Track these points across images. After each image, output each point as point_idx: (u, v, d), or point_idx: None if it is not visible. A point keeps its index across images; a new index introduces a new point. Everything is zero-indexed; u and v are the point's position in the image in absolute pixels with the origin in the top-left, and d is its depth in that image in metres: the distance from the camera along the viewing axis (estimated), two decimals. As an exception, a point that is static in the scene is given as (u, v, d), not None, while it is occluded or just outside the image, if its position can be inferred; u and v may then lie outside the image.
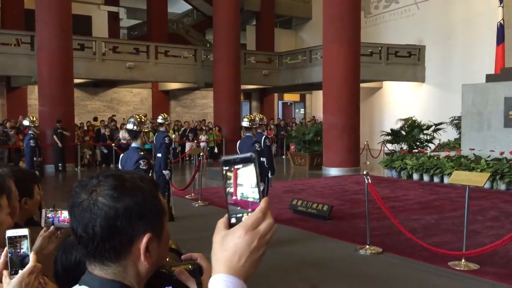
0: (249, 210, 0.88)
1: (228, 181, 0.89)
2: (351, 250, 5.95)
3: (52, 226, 1.65)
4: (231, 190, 0.89)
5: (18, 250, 1.26)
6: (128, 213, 0.99)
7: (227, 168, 0.89)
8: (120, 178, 1.03)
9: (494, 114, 11.22)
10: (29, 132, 8.43)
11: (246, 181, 0.89)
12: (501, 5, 13.56)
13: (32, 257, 1.26)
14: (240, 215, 0.88)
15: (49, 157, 14.27)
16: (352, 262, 5.59)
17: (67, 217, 1.63)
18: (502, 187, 10.05)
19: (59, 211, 1.64)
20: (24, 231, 1.27)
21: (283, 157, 18.43)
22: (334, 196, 9.67)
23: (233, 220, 0.88)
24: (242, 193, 0.89)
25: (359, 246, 5.98)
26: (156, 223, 1.04)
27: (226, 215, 0.89)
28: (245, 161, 0.89)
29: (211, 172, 13.02)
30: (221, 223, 0.88)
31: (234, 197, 0.89)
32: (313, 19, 24.71)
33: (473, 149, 11.33)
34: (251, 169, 0.89)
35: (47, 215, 1.65)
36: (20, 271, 1.24)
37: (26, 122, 8.76)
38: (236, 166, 0.89)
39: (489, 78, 11.90)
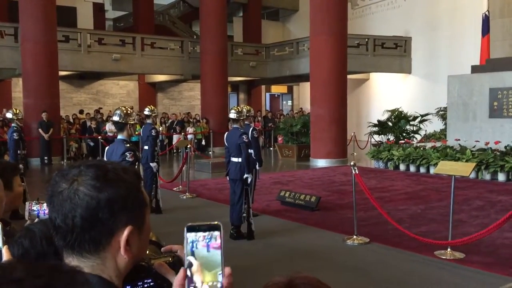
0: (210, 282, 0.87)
1: (189, 251, 0.87)
2: (338, 241, 5.99)
3: (37, 219, 1.63)
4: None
5: None
6: (110, 204, 0.97)
7: (192, 235, 0.87)
8: (102, 168, 1.00)
9: (479, 105, 11.33)
10: (13, 125, 8.31)
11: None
12: (486, -4, 13.65)
13: (5, 252, 1.20)
14: (200, 285, 0.87)
15: (34, 150, 14.12)
16: (339, 252, 5.62)
17: None
18: (487, 177, 10.17)
19: (44, 204, 1.61)
20: None
21: (271, 149, 18.45)
22: (322, 187, 9.71)
23: None
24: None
25: (346, 237, 6.02)
26: (138, 215, 1.02)
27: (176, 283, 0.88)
28: (212, 229, 0.88)
29: (198, 164, 12.99)
30: None
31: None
32: (300, 11, 24.67)
33: (459, 140, 11.44)
34: (217, 240, 0.88)
35: (32, 207, 1.63)
36: None
37: (9, 115, 8.63)
38: (202, 234, 0.88)
39: (475, 69, 12.01)
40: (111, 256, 0.99)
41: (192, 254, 0.88)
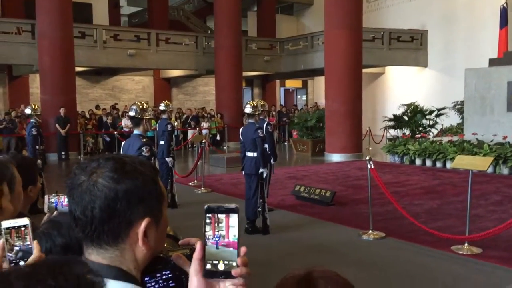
0: (226, 260, 0.89)
1: (208, 227, 0.89)
2: (354, 235, 5.97)
3: (56, 211, 1.66)
4: (218, 233, 0.89)
5: (25, 243, 1.20)
6: (128, 195, 0.98)
7: (209, 215, 0.89)
8: (120, 161, 1.02)
9: (497, 98, 11.17)
10: (31, 120, 8.42)
11: (222, 232, 0.89)
12: (505, -12, 13.43)
13: (36, 247, 1.21)
14: (216, 262, 0.89)
15: (52, 145, 14.30)
16: (355, 247, 5.61)
17: None
18: (505, 171, 10.04)
19: (62, 196, 1.64)
20: (25, 221, 1.21)
21: (286, 143, 18.42)
22: (337, 182, 9.68)
23: (208, 266, 0.89)
24: (218, 240, 0.89)
25: (362, 231, 6.01)
26: (155, 208, 1.03)
27: (195, 262, 0.90)
28: (230, 211, 0.89)
29: (213, 159, 13.04)
30: (194, 271, 0.89)
31: (221, 241, 0.89)
32: (314, 5, 24.51)
33: (476, 134, 11.31)
34: (234, 221, 0.89)
35: (50, 200, 1.66)
36: (22, 263, 1.19)
37: (28, 111, 8.73)
38: (219, 216, 0.89)
39: (492, 62, 11.83)
40: (130, 247, 1.00)
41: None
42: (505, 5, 13.40)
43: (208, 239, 0.89)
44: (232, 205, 0.90)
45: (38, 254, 1.22)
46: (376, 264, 5.06)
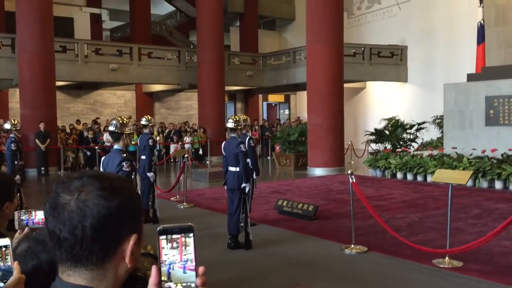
0: (184, 282, 0.88)
1: (165, 251, 0.89)
2: (337, 250, 5.97)
3: (27, 228, 1.62)
4: (186, 257, 0.89)
5: (5, 263, 1.18)
6: (119, 213, 0.97)
7: (164, 237, 0.89)
8: (105, 178, 1.01)
9: (475, 113, 11.38)
10: (10, 135, 8.29)
11: (190, 256, 0.89)
12: (481, 5, 13.75)
13: (16, 267, 1.19)
14: (174, 285, 0.88)
15: (31, 160, 14.08)
16: (338, 262, 5.60)
17: (42, 217, 1.60)
18: (484, 184, 10.19)
19: (33, 212, 1.61)
20: (5, 241, 1.19)
21: (268, 157, 18.44)
22: (320, 196, 9.70)
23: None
24: (185, 265, 0.89)
25: (344, 246, 6.01)
26: (139, 223, 1.03)
27: (151, 287, 0.89)
28: (185, 231, 0.89)
29: (196, 173, 12.97)
30: None
31: (189, 265, 0.89)
32: (296, 20, 24.79)
33: (455, 148, 11.47)
34: (190, 240, 0.89)
35: (21, 217, 1.63)
36: (2, 284, 1.18)
37: (7, 126, 8.61)
38: (174, 236, 0.89)
39: (470, 77, 12.06)
40: (113, 266, 0.99)
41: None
42: (482, 22, 13.70)
43: (174, 263, 0.88)
44: (187, 225, 0.89)
45: (18, 275, 1.20)
46: (359, 278, 5.06)
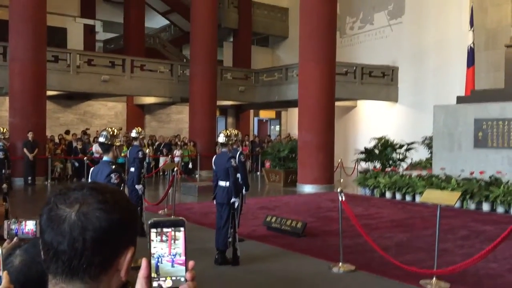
0: (174, 276, 0.89)
1: (158, 245, 0.90)
2: (324, 268, 5.94)
3: (16, 238, 1.60)
4: (175, 251, 0.90)
5: None
6: (120, 225, 0.97)
7: (155, 231, 0.90)
8: (106, 190, 1.00)
9: (464, 135, 11.48)
10: (-1, 144, 8.22)
11: (178, 250, 0.90)
12: (472, 29, 14.00)
13: (4, 277, 1.16)
14: (164, 279, 0.89)
15: (18, 170, 13.93)
16: (325, 280, 5.57)
17: (32, 228, 1.57)
18: (472, 206, 10.24)
19: (23, 222, 1.59)
20: None
21: (258, 173, 18.42)
22: (308, 213, 9.68)
23: (155, 284, 0.89)
24: (173, 259, 0.90)
25: (332, 264, 5.98)
26: (136, 236, 1.03)
27: (140, 279, 0.90)
28: (176, 225, 0.90)
29: (185, 187, 12.90)
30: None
31: (178, 259, 0.90)
32: (289, 38, 25.01)
33: (444, 169, 11.54)
34: (181, 234, 0.90)
35: (11, 227, 1.60)
36: None
37: (-5, 134, 8.54)
38: (165, 229, 0.90)
39: (460, 99, 12.20)
40: (108, 279, 0.98)
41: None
42: (472, 45, 13.93)
43: (163, 256, 0.89)
44: (178, 219, 0.91)
45: (6, 285, 1.18)
46: (346, 297, 5.03)
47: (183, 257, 0.89)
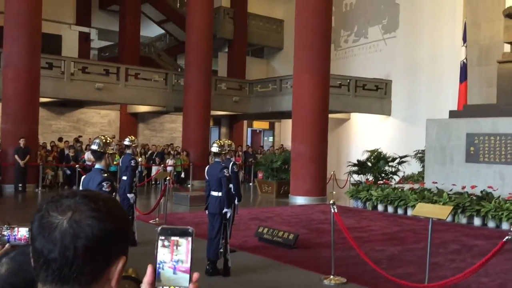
0: (177, 286, 0.89)
1: (164, 250, 0.90)
2: (315, 280, 5.91)
3: (8, 244, 1.57)
4: (177, 257, 0.89)
5: None
6: (113, 234, 0.96)
7: (163, 237, 0.90)
8: (99, 198, 0.99)
9: (456, 149, 11.54)
10: (-11, 150, 8.16)
11: (181, 256, 0.90)
12: (464, 45, 14.14)
13: None
14: (167, 287, 0.89)
15: (9, 176, 13.82)
16: (316, 292, 5.54)
17: (24, 234, 1.55)
18: (463, 220, 10.26)
19: (16, 229, 1.56)
20: None
21: (251, 184, 18.38)
22: (300, 225, 9.66)
23: None
24: (175, 265, 0.90)
25: (323, 276, 5.96)
26: (127, 246, 1.02)
27: (145, 286, 0.89)
28: (184, 234, 0.91)
29: (177, 197, 12.85)
30: None
31: (180, 266, 0.89)
32: (284, 49, 25.13)
33: (436, 183, 11.58)
34: (188, 244, 0.90)
35: (3, 232, 1.57)
36: None
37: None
38: (173, 238, 0.90)
39: (452, 114, 12.29)
40: (100, 287, 0.97)
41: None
42: (465, 60, 14.06)
43: (164, 262, 0.88)
44: (187, 228, 0.90)
45: None
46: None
47: (185, 265, 0.88)
